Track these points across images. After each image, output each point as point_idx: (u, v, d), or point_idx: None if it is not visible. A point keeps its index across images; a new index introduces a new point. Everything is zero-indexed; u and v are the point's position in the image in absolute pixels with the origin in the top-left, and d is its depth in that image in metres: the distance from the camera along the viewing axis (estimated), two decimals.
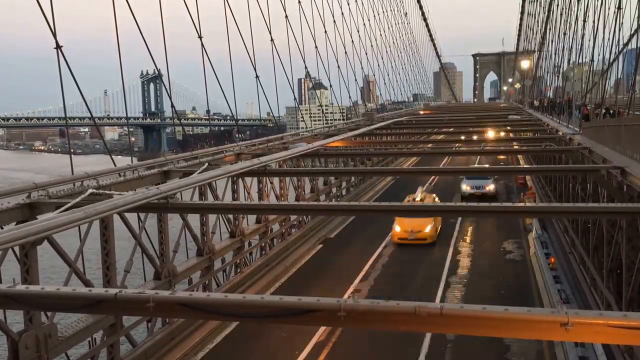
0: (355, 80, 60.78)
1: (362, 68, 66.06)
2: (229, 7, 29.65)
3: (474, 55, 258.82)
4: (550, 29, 62.15)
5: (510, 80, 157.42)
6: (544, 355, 14.08)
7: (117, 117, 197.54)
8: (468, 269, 22.15)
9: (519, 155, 47.27)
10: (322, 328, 15.22)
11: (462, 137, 34.98)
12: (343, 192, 35.49)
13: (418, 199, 27.58)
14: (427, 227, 25.16)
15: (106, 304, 6.27)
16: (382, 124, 43.53)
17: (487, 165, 41.00)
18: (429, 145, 36.28)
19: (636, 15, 24.90)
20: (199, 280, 16.96)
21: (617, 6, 27.03)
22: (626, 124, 17.32)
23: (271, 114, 58.42)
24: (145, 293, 6.02)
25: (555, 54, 52.92)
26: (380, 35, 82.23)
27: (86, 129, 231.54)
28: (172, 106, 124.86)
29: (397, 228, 25.42)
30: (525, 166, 42.00)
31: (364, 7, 69.28)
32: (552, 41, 57.34)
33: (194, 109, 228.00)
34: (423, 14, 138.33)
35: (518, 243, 25.39)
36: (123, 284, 13.46)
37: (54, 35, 17.73)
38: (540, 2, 76.48)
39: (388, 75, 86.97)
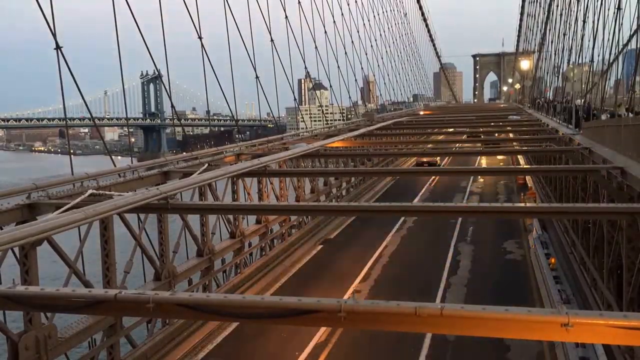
0: (355, 80, 60.85)
1: (362, 68, 66.12)
2: (229, 7, 29.68)
3: (473, 56, 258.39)
4: (550, 30, 62.11)
5: (510, 80, 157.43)
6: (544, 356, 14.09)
7: (117, 117, 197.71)
8: (468, 269, 22.13)
9: (519, 156, 47.30)
10: (322, 328, 15.22)
11: (463, 138, 35.02)
12: (343, 192, 35.48)
13: None
14: None
15: (106, 305, 6.26)
16: (382, 124, 43.52)
17: (487, 166, 41.04)
18: (429, 145, 36.29)
19: (636, 15, 24.86)
20: (199, 281, 16.95)
21: (616, 6, 26.97)
22: (626, 124, 17.29)
23: (271, 114, 58.48)
24: (145, 294, 6.01)
25: (555, 54, 52.86)
26: (380, 35, 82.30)
27: (86, 130, 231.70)
28: (172, 107, 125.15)
29: None
30: (525, 166, 42.02)
31: (363, 7, 69.34)
32: (551, 42, 57.29)
33: (194, 109, 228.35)
34: (423, 14, 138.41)
35: (518, 243, 25.39)
36: (123, 284, 13.45)
37: (54, 35, 17.73)
38: (540, 3, 76.41)
39: (388, 75, 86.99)
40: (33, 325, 10.57)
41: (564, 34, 44.76)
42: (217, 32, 30.20)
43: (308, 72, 46.22)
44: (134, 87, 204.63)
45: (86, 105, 28.01)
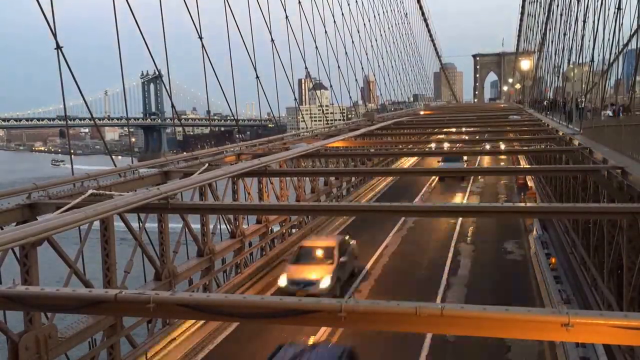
0: (356, 80, 60.88)
1: (362, 68, 66.16)
2: (229, 7, 29.72)
3: (474, 56, 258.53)
4: (550, 30, 62.15)
5: (510, 80, 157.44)
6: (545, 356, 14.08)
7: (118, 117, 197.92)
8: (469, 269, 22.12)
9: (519, 156, 47.30)
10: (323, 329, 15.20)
11: (463, 137, 35.04)
12: (344, 192, 35.48)
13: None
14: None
15: (106, 305, 6.27)
16: (383, 124, 43.54)
17: (487, 165, 41.07)
18: (430, 145, 36.28)
19: (636, 15, 24.88)
20: (199, 281, 16.95)
21: (617, 6, 27.02)
22: (626, 124, 17.31)
23: (271, 114, 58.52)
24: (146, 294, 6.01)
25: (555, 54, 52.92)
26: (381, 35, 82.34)
27: (86, 130, 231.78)
28: (173, 106, 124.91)
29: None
30: (525, 166, 42.03)
31: (364, 7, 69.39)
32: (552, 41, 57.33)
33: (194, 109, 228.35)
34: (423, 14, 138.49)
35: (518, 243, 25.36)
36: (123, 284, 13.45)
37: (55, 35, 17.76)
38: (540, 3, 76.51)
39: (388, 75, 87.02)
40: (33, 325, 10.57)
41: (564, 34, 44.86)
42: (217, 32, 30.24)
43: (308, 72, 46.29)
44: (135, 87, 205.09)
45: (86, 105, 27.99)
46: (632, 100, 24.52)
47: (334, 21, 52.12)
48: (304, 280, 18.23)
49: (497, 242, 25.85)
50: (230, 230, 19.50)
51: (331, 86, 55.01)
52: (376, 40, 77.61)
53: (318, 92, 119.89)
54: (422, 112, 77.81)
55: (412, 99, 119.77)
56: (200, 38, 26.54)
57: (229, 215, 18.95)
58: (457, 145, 33.42)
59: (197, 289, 16.71)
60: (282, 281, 18.48)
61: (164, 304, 6.05)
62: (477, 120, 47.36)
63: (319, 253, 19.48)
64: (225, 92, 28.92)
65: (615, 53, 27.71)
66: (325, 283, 18.14)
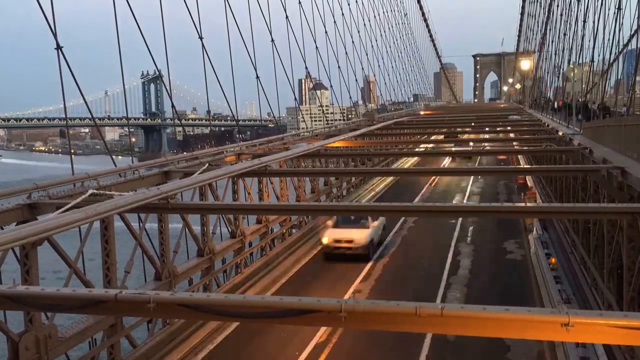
0: (356, 80, 60.89)
1: (362, 68, 66.17)
2: (230, 7, 29.72)
3: (474, 56, 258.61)
4: (550, 30, 62.20)
5: (510, 80, 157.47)
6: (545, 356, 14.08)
7: (118, 117, 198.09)
8: (469, 269, 22.14)
9: (519, 156, 47.32)
10: (323, 328, 15.21)
11: (463, 137, 35.06)
12: (344, 192, 35.48)
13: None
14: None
15: (106, 305, 6.26)
16: (383, 124, 43.53)
17: (487, 166, 41.09)
18: (430, 145, 36.28)
19: (636, 15, 24.87)
20: (199, 281, 16.94)
21: (617, 7, 27.02)
22: (626, 124, 17.30)
23: (272, 114, 58.53)
24: (146, 294, 6.00)
25: (555, 54, 52.95)
26: (381, 35, 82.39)
27: (87, 130, 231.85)
28: (173, 106, 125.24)
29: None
30: (525, 166, 42.03)
31: (364, 7, 69.44)
32: (552, 42, 57.38)
33: (194, 109, 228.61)
34: (423, 14, 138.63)
35: (518, 243, 25.38)
36: (123, 284, 13.45)
37: (55, 35, 17.74)
38: (541, 3, 76.60)
39: (388, 75, 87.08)
40: (33, 325, 10.57)
41: (564, 34, 44.89)
42: (218, 32, 30.24)
43: (308, 72, 46.28)
44: (135, 87, 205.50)
45: (87, 105, 28.05)
46: (632, 100, 24.48)
47: (334, 21, 52.17)
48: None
49: (497, 242, 25.87)
50: (230, 230, 19.50)
51: (331, 86, 55.07)
52: (376, 40, 77.75)
53: (318, 92, 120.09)
54: (422, 112, 77.88)
55: (412, 99, 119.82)
56: (201, 38, 26.54)
57: (229, 215, 18.94)
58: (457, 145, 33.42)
59: (197, 289, 16.71)
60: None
61: (164, 304, 6.04)
62: (477, 120, 47.36)
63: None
64: (225, 92, 28.96)
65: (615, 53, 27.70)
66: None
